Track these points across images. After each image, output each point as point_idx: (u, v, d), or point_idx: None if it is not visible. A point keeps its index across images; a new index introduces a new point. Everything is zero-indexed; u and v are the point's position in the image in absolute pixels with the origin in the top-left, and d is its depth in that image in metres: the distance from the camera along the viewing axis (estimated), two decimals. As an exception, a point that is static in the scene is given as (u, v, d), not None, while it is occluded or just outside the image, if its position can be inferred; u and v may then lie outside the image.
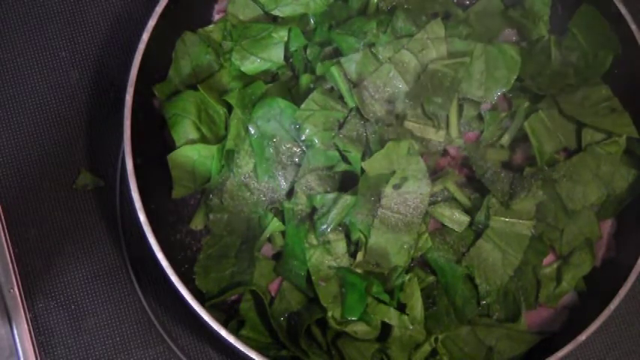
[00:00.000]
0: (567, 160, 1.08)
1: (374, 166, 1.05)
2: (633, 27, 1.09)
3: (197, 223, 1.10)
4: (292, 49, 1.13)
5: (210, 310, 0.98)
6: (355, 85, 1.08)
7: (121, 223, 1.15)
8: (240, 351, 0.97)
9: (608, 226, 1.13)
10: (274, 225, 1.07)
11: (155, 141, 1.10)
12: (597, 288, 1.09)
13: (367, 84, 1.08)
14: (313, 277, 1.04)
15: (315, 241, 1.05)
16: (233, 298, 1.08)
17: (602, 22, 1.12)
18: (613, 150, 1.08)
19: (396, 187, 1.04)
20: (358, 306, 1.03)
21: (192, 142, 1.07)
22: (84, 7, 1.22)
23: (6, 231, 1.09)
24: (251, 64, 1.12)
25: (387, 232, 1.04)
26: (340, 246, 1.05)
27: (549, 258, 1.11)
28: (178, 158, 1.07)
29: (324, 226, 1.04)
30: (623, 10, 1.09)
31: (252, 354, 0.96)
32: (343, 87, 1.08)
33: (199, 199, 1.11)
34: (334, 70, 1.08)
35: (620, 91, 1.11)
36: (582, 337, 0.99)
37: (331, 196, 1.05)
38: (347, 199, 1.04)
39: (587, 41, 1.14)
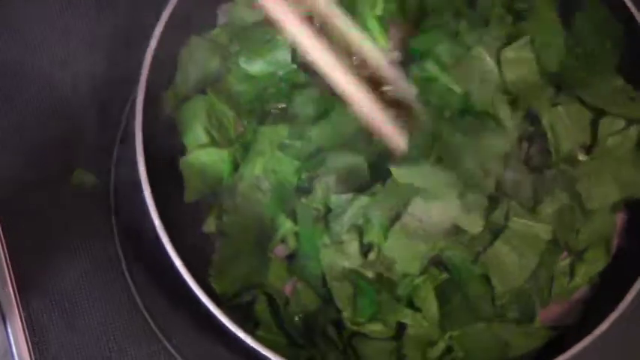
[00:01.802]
0: (589, 161, 1.08)
1: (403, 174, 1.03)
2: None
3: (210, 226, 1.10)
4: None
5: (226, 312, 0.98)
6: None
7: (115, 221, 1.15)
8: (260, 352, 0.97)
9: (620, 216, 1.12)
10: (287, 227, 1.07)
11: (165, 145, 1.10)
12: (611, 280, 1.09)
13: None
14: (327, 277, 1.05)
15: (328, 241, 1.05)
16: (247, 299, 1.08)
17: (605, 14, 1.12)
18: (627, 144, 1.08)
19: (424, 196, 1.03)
20: (368, 309, 1.04)
21: (204, 146, 1.08)
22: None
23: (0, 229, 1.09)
24: (258, 67, 1.12)
25: (403, 238, 1.03)
26: (353, 246, 1.05)
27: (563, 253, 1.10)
28: (190, 163, 1.07)
29: (339, 227, 1.04)
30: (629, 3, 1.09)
31: (270, 355, 0.96)
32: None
33: (211, 201, 1.11)
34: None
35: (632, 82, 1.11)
36: (597, 331, 0.99)
37: (347, 196, 1.04)
38: (363, 200, 1.04)
39: (592, 34, 1.14)
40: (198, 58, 1.12)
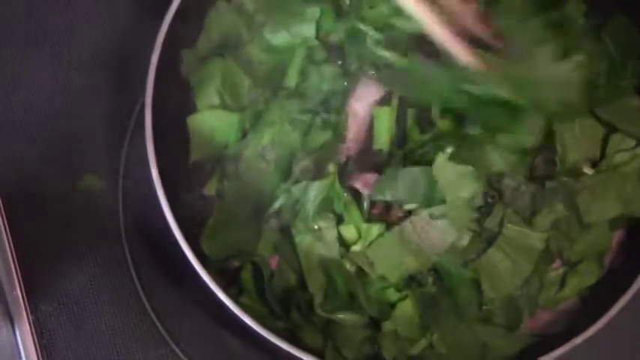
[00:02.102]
0: (594, 175, 1.07)
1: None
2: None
3: (211, 189, 1.11)
4: (324, 29, 1.12)
5: (212, 274, 0.98)
6: None
7: (123, 224, 1.16)
8: (240, 318, 0.97)
9: (617, 234, 1.11)
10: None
11: (173, 104, 1.10)
12: (600, 294, 1.08)
13: None
14: (302, 263, 1.05)
15: (302, 228, 1.05)
16: (235, 265, 1.08)
17: (634, 33, 1.11)
18: (635, 162, 1.07)
19: (433, 216, 1.03)
20: (339, 300, 1.04)
21: (214, 107, 1.08)
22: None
23: (8, 233, 1.08)
24: (282, 39, 1.12)
25: (395, 245, 1.03)
26: (331, 234, 1.05)
27: (555, 263, 1.09)
28: (198, 122, 1.08)
29: (306, 214, 1.04)
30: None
31: (250, 322, 0.97)
32: None
33: (215, 164, 1.11)
34: None
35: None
36: (578, 339, 0.98)
37: (302, 185, 1.05)
38: (315, 186, 1.04)
39: (617, 50, 1.13)
40: (222, 23, 1.12)
